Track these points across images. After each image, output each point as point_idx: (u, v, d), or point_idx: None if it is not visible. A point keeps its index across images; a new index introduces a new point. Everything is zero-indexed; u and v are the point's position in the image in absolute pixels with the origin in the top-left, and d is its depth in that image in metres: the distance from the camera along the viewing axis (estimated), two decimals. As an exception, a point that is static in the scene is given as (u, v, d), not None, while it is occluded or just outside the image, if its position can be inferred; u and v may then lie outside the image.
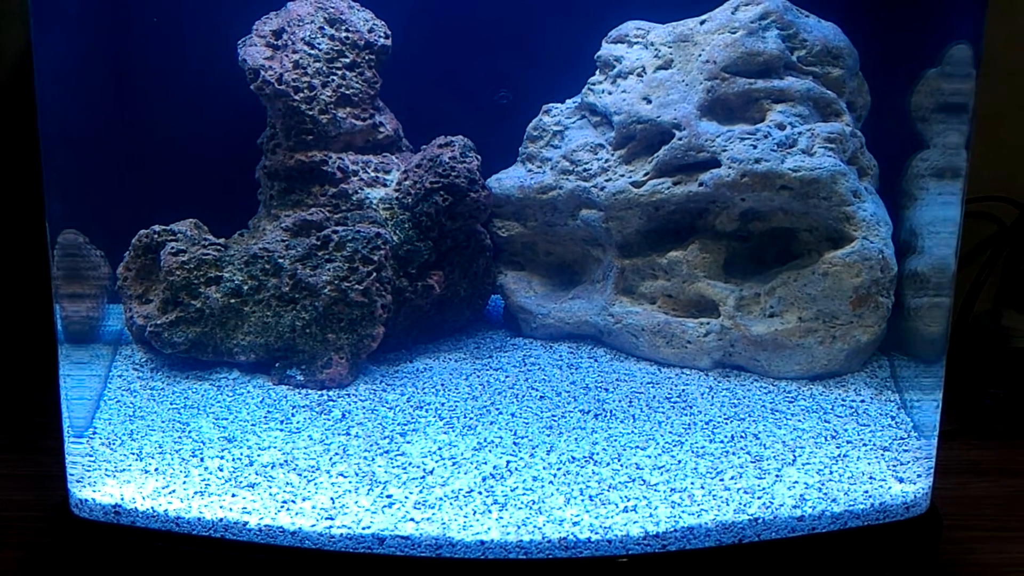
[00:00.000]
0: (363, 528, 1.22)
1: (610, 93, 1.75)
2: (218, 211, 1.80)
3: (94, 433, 1.45)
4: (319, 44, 1.73)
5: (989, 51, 1.40)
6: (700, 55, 1.67)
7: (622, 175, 1.71)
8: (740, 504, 1.27)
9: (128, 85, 1.90)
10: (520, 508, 1.26)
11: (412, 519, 1.23)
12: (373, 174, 1.76)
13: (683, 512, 1.25)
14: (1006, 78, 1.93)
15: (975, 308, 1.98)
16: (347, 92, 1.74)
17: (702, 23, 1.70)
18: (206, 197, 1.89)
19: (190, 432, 1.46)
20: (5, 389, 1.90)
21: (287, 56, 1.71)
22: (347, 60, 1.75)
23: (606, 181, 1.72)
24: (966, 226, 1.44)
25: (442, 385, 1.63)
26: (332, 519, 1.23)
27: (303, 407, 1.54)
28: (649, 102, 1.70)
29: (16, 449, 1.70)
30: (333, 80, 1.73)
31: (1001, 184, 2.01)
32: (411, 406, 1.54)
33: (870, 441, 1.45)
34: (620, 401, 1.57)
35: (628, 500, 1.28)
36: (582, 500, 1.28)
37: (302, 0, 1.76)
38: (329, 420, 1.50)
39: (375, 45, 1.77)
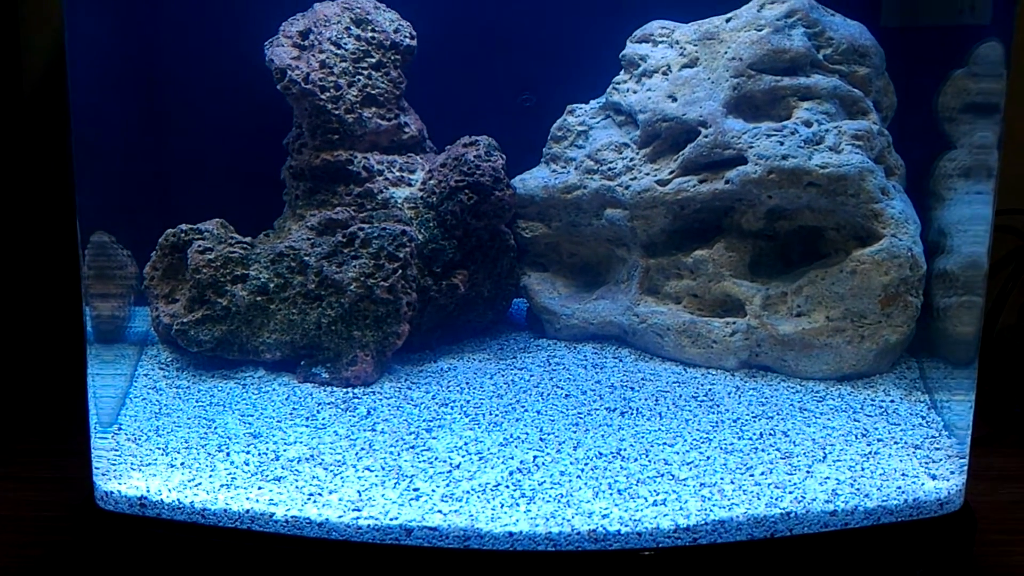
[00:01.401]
0: (391, 519, 1.21)
1: (635, 92, 1.75)
2: (243, 213, 1.81)
3: (119, 429, 1.45)
4: (345, 44, 1.74)
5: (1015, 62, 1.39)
6: (726, 52, 1.67)
7: (647, 173, 1.70)
8: (771, 498, 1.26)
9: (156, 87, 1.92)
10: (548, 501, 1.25)
11: (439, 511, 1.23)
12: (398, 173, 1.76)
13: (713, 506, 1.24)
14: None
15: (1000, 322, 1.96)
16: (373, 92, 1.75)
17: (728, 21, 1.70)
18: (231, 199, 1.90)
19: (216, 428, 1.45)
20: (26, 394, 1.91)
21: (314, 56, 1.72)
22: (373, 60, 1.76)
23: (631, 180, 1.71)
24: (989, 240, 1.42)
25: (467, 383, 1.62)
26: (359, 510, 1.23)
27: (328, 404, 1.54)
28: (675, 100, 1.69)
29: (37, 453, 1.70)
30: (359, 80, 1.74)
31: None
32: (436, 403, 1.54)
33: (901, 439, 1.43)
34: (646, 399, 1.55)
35: (657, 494, 1.26)
36: (611, 494, 1.26)
37: (329, 1, 1.78)
38: (355, 417, 1.49)
39: (401, 45, 1.78)
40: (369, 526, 1.21)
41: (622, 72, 1.79)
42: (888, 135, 1.69)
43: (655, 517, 1.22)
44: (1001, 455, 1.73)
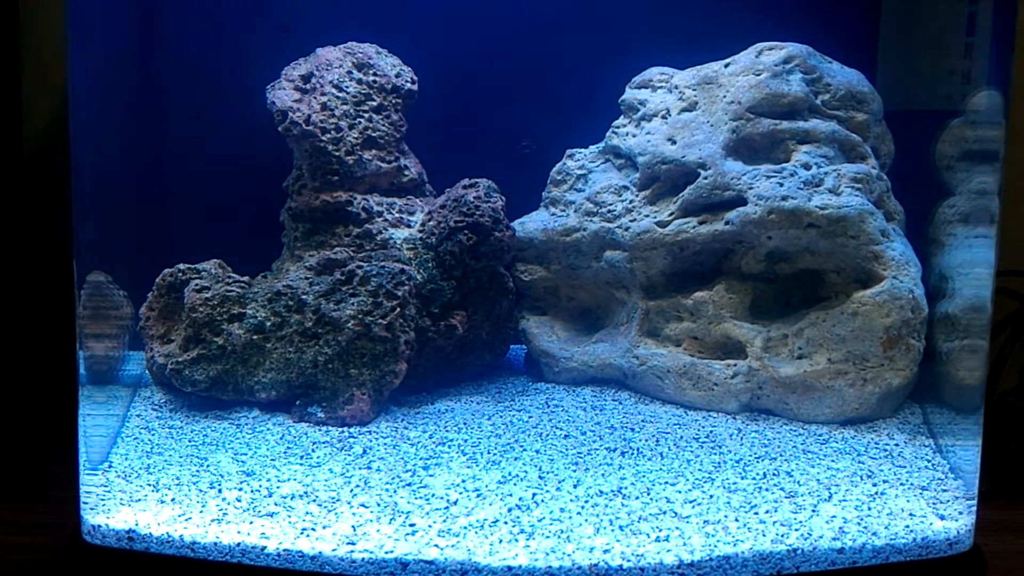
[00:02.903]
0: (386, 553, 1.17)
1: (634, 136, 1.76)
2: (241, 257, 1.80)
3: (109, 467, 1.42)
4: (347, 87, 1.76)
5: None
6: (725, 96, 1.68)
7: (647, 215, 1.70)
8: (777, 535, 1.23)
9: (156, 131, 1.93)
10: (548, 537, 1.22)
11: (436, 545, 1.19)
12: (397, 215, 1.76)
13: (718, 542, 1.21)
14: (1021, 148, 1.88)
15: (1000, 385, 1.93)
16: (373, 134, 1.76)
17: (726, 66, 1.72)
18: (229, 243, 1.89)
19: (208, 466, 1.42)
20: (9, 440, 1.87)
21: (315, 98, 1.73)
22: (374, 103, 1.77)
23: (631, 221, 1.71)
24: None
25: (464, 424, 1.59)
26: (353, 544, 1.19)
27: (323, 443, 1.51)
28: (674, 143, 1.70)
29: (18, 497, 1.65)
30: (360, 122, 1.75)
31: (1021, 259, 1.95)
32: (433, 442, 1.51)
33: (907, 481, 1.40)
34: (647, 440, 1.53)
35: (660, 530, 1.23)
36: (612, 530, 1.23)
37: (331, 46, 1.80)
38: (350, 455, 1.46)
39: (402, 89, 1.80)
40: (364, 560, 1.17)
41: (621, 117, 1.81)
42: (887, 180, 1.70)
43: (658, 553, 1.18)
44: (1009, 508, 1.70)
